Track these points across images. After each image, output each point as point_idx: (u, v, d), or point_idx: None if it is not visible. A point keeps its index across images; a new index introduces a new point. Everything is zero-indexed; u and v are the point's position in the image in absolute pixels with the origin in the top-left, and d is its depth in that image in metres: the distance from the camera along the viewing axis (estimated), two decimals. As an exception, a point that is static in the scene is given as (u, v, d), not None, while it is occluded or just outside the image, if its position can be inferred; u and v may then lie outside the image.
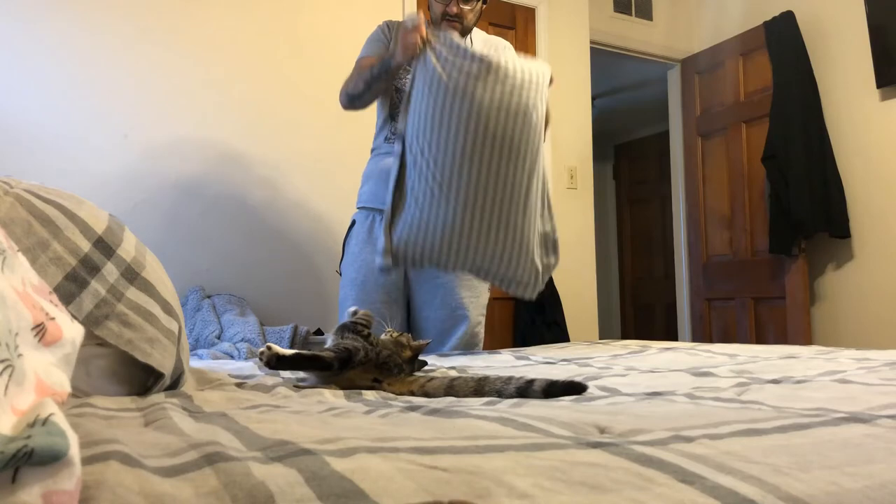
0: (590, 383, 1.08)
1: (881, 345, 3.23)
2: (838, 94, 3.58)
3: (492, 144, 1.64)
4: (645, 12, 4.27)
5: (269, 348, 1.08)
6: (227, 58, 2.78)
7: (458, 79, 1.63)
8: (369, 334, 1.23)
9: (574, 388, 0.96)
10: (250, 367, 1.46)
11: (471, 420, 0.70)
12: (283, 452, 0.52)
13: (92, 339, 0.89)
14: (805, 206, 3.45)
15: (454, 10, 1.89)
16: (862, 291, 3.48)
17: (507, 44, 2.06)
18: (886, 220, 3.39)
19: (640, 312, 6.23)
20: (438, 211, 1.68)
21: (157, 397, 0.91)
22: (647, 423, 0.66)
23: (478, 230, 1.69)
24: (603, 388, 1.02)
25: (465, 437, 0.59)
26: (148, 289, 1.00)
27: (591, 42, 3.89)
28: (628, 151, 6.40)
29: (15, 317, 0.45)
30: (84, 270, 0.91)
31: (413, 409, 0.83)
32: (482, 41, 2.04)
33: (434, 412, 0.79)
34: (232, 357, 2.11)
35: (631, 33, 4.19)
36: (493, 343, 3.35)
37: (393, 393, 1.06)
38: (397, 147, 1.78)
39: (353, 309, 1.35)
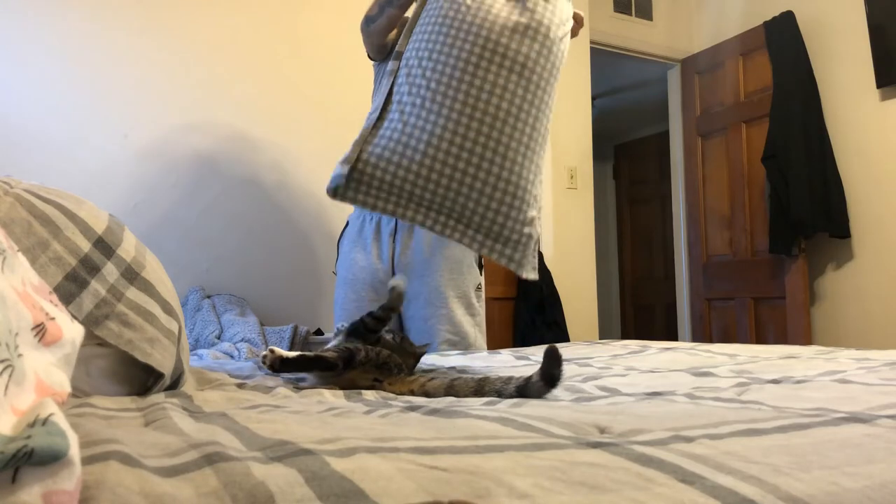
0: (590, 383, 1.08)
1: (881, 345, 3.23)
2: (838, 94, 3.58)
3: (502, 58, 1.40)
4: (645, 12, 4.27)
5: (272, 352, 1.07)
6: (227, 57, 2.78)
7: None
8: (378, 330, 1.23)
9: (554, 359, 0.95)
10: (250, 367, 1.46)
11: (471, 420, 0.70)
12: (283, 452, 0.52)
13: (92, 339, 0.89)
14: (805, 206, 3.45)
15: None
16: (862, 291, 3.48)
17: None
18: (886, 220, 3.39)
19: (640, 312, 6.23)
20: (426, 122, 1.38)
21: (157, 397, 0.91)
22: (647, 423, 0.66)
23: (468, 153, 1.36)
24: (603, 388, 1.02)
25: (465, 437, 0.59)
26: (148, 289, 1.00)
27: (591, 42, 3.89)
28: (628, 151, 6.40)
29: (15, 317, 0.45)
30: (84, 270, 0.91)
31: (413, 409, 0.83)
32: None
33: (434, 412, 0.79)
34: (232, 357, 2.11)
35: (631, 33, 4.19)
36: (493, 343, 3.35)
37: (393, 392, 1.07)
38: (390, 65, 1.50)
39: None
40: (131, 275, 0.99)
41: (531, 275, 1.47)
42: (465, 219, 1.41)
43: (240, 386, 1.10)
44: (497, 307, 3.56)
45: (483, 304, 2.08)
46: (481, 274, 2.11)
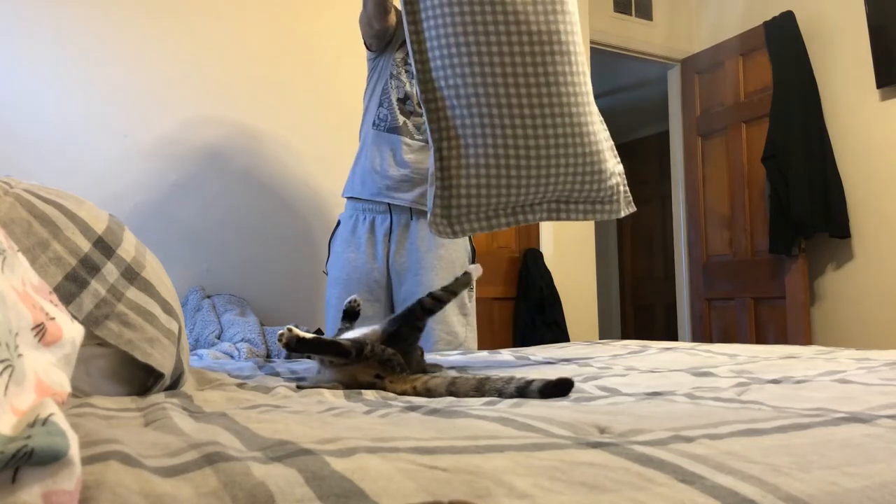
0: (590, 383, 1.08)
1: (881, 345, 3.23)
2: (838, 94, 3.58)
3: (540, 43, 1.42)
4: (645, 12, 4.27)
5: (289, 330, 1.07)
6: (228, 58, 2.78)
7: None
8: (434, 311, 1.26)
9: (562, 387, 0.95)
10: (250, 367, 1.46)
11: (471, 420, 0.70)
12: (283, 452, 0.52)
13: (92, 339, 0.89)
14: (805, 206, 3.45)
15: None
16: (862, 291, 3.48)
17: None
18: (886, 220, 3.39)
19: (640, 312, 6.23)
20: (506, 135, 1.43)
21: (157, 397, 0.91)
22: (647, 423, 0.66)
23: (555, 144, 1.44)
24: (603, 388, 1.02)
25: (465, 437, 0.59)
26: (148, 289, 1.00)
27: (591, 42, 3.89)
28: (628, 151, 6.40)
29: (15, 317, 0.45)
30: (84, 270, 0.91)
31: (413, 409, 0.83)
32: None
33: (434, 412, 0.79)
34: (232, 357, 2.11)
35: (631, 33, 4.19)
36: (494, 343, 3.35)
37: (394, 390, 1.07)
38: (419, 94, 1.51)
39: (353, 298, 1.41)
40: (131, 275, 0.99)
41: (629, 210, 1.62)
42: (563, 199, 1.55)
43: (240, 386, 1.10)
44: (497, 307, 3.56)
45: (474, 304, 2.08)
46: None
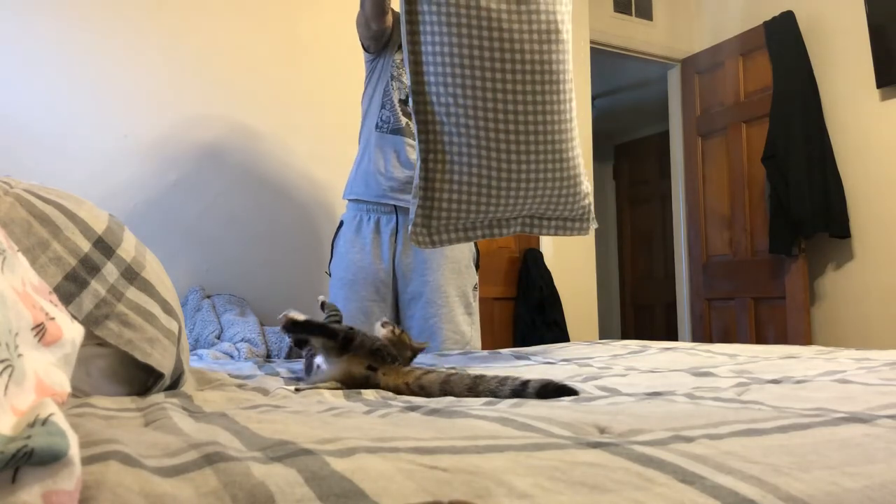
0: (590, 383, 1.08)
1: (881, 345, 3.23)
2: (838, 94, 3.58)
3: (531, 72, 1.51)
4: (645, 12, 4.27)
5: (286, 315, 1.14)
6: (227, 58, 2.78)
7: (478, 4, 1.47)
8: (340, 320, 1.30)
9: (565, 391, 0.96)
10: (250, 367, 1.46)
11: (471, 420, 0.70)
12: (283, 452, 0.52)
13: (92, 339, 0.89)
14: (805, 206, 3.45)
15: None
16: (862, 291, 3.48)
17: None
18: (886, 220, 3.39)
19: (640, 312, 6.23)
20: (490, 157, 1.52)
21: (157, 397, 0.91)
22: (647, 423, 0.66)
23: (535, 168, 1.55)
24: (603, 388, 1.02)
25: (465, 437, 0.59)
26: (148, 289, 1.00)
27: (591, 42, 3.89)
28: (628, 151, 6.40)
29: (15, 317, 0.45)
30: (84, 270, 0.91)
31: (413, 408, 0.83)
32: None
33: (434, 412, 0.79)
34: (232, 357, 2.11)
35: (631, 33, 4.19)
36: (494, 343, 3.35)
37: (388, 383, 1.07)
38: (412, 106, 1.59)
39: (321, 298, 1.42)
40: (131, 275, 0.99)
41: (594, 227, 1.77)
42: (538, 216, 1.67)
43: (240, 386, 1.10)
44: (497, 307, 3.56)
45: (477, 303, 2.09)
46: (477, 273, 2.11)
